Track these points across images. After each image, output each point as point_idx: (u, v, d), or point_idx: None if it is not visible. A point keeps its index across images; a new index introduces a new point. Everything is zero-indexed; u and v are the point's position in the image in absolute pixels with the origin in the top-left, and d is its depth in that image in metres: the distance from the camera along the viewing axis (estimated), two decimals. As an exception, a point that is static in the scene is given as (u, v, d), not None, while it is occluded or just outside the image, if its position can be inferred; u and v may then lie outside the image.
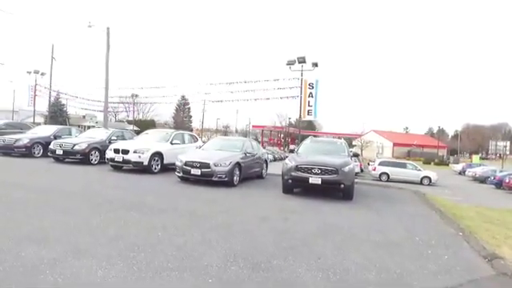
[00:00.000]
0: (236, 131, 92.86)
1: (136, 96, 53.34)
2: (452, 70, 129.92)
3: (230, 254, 4.56)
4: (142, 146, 11.95)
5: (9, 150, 14.70)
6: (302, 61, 22.30)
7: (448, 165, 54.18)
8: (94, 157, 13.61)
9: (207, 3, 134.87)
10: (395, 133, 73.53)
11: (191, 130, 74.52)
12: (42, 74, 35.88)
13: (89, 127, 52.34)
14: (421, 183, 26.04)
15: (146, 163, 11.79)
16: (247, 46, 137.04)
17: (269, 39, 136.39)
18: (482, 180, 31.14)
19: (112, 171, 12.30)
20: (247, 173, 11.72)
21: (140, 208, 6.85)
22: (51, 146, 13.65)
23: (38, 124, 25.36)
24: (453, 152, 80.00)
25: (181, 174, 10.55)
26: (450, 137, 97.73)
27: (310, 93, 22.24)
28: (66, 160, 13.97)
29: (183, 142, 13.90)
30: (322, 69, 22.79)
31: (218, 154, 10.80)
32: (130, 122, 78.11)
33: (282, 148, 62.11)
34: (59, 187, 8.55)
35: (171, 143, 13.07)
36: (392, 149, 58.69)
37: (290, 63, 22.62)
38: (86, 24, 19.12)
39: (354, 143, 71.18)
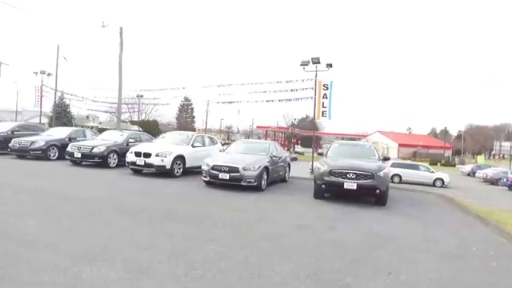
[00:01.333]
0: (238, 131, 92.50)
1: (141, 97, 52.91)
2: (454, 71, 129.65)
3: (299, 271, 4.23)
4: (164, 150, 11.61)
5: (24, 153, 14.36)
6: (316, 61, 21.89)
7: (454, 166, 53.83)
8: (112, 160, 13.27)
9: (218, 3, 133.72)
10: (400, 133, 73.20)
11: (193, 131, 74.21)
12: (49, 74, 35.47)
13: (92, 127, 52.05)
14: (433, 185, 25.66)
15: (168, 167, 11.45)
16: (258, 47, 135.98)
17: (277, 41, 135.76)
18: (494, 182, 30.78)
19: (132, 175, 11.96)
20: (273, 176, 11.40)
21: (176, 217, 6.53)
22: (69, 149, 13.32)
23: (42, 125, 24.90)
24: (456, 153, 79.73)
25: (207, 179, 10.22)
26: (452, 137, 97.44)
27: (325, 94, 21.81)
28: (83, 163, 13.64)
29: (204, 145, 13.57)
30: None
31: (246, 158, 10.47)
32: (132, 123, 77.76)
33: (286, 149, 61.84)
34: (87, 194, 8.18)
35: (192, 146, 12.74)
36: (397, 150, 58.37)
37: (304, 64, 22.20)
38: (99, 24, 18.76)
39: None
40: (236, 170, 9.88)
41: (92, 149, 12.92)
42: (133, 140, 14.22)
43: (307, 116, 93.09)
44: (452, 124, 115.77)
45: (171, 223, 6.07)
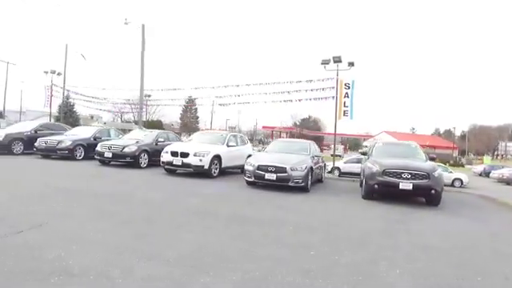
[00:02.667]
0: (239, 131, 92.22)
1: (148, 96, 52.49)
2: (457, 71, 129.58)
3: (420, 281, 3.89)
4: (201, 149, 11.24)
5: (50, 153, 13.98)
6: (337, 60, 21.54)
7: (463, 166, 53.56)
8: (143, 160, 12.90)
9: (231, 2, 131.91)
10: (407, 133, 72.96)
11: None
12: (59, 73, 35.01)
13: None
14: (452, 185, 25.39)
15: (206, 167, 11.09)
16: (274, 47, 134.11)
17: (287, 41, 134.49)
18: (510, 182, 30.51)
19: (168, 175, 11.59)
20: (315, 177, 11.07)
21: (248, 220, 6.19)
22: (98, 149, 12.94)
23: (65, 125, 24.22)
24: (461, 153, 79.56)
25: (252, 179, 9.87)
26: (456, 137, 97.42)
27: (346, 93, 21.50)
28: (111, 163, 13.27)
29: (237, 144, 13.22)
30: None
31: (291, 158, 10.12)
32: (136, 123, 77.21)
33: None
34: (144, 196, 7.83)
35: (227, 146, 12.38)
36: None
37: (325, 62, 21.86)
38: (119, 22, 18.35)
39: (364, 144, 70.49)
40: (283, 170, 9.54)
41: (123, 148, 12.55)
42: (162, 139, 13.85)
43: (310, 116, 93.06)
44: (455, 124, 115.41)
45: (250, 227, 5.68)
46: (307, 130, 66.69)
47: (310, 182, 10.04)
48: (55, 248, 3.89)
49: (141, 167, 12.76)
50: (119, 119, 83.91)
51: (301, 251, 4.56)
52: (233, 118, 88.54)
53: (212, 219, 6.01)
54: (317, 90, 22.74)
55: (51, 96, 36.79)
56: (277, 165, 9.63)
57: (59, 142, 13.98)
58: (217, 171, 11.58)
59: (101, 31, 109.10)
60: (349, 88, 21.68)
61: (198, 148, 11.34)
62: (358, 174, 23.06)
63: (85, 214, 5.69)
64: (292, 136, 64.89)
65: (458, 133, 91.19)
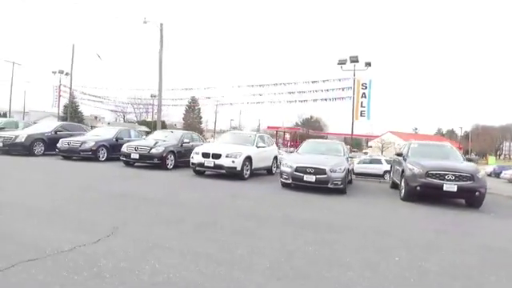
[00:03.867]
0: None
1: (154, 97, 52.37)
2: (459, 70, 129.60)
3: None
4: (233, 150, 11.07)
5: (74, 154, 13.80)
6: (354, 60, 21.51)
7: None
8: (170, 161, 12.73)
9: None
10: (412, 134, 72.83)
11: (201, 131, 73.64)
12: (67, 74, 34.87)
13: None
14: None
15: (239, 168, 10.91)
16: (287, 48, 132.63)
17: (300, 41, 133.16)
18: (521, 182, 30.49)
19: (197, 176, 11.41)
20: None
21: (308, 224, 6.03)
22: (124, 150, 12.76)
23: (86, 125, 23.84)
24: (465, 153, 79.50)
25: (289, 181, 9.70)
26: (458, 138, 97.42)
27: (363, 93, 21.45)
28: (136, 164, 13.10)
29: (265, 145, 13.06)
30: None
31: (328, 159, 9.96)
32: (140, 123, 77.15)
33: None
34: (187, 199, 7.68)
35: (257, 147, 12.22)
36: (410, 150, 58.25)
37: (342, 62, 21.82)
38: (138, 21, 18.09)
39: (369, 144, 70.38)
40: (323, 171, 9.38)
41: (150, 149, 12.37)
42: (187, 140, 13.68)
43: (312, 116, 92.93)
44: (458, 124, 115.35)
45: (312, 233, 5.49)
46: (312, 130, 66.49)
47: (346, 184, 9.90)
48: (144, 258, 3.71)
49: (167, 169, 12.59)
50: (121, 119, 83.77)
51: (386, 256, 4.41)
52: (236, 118, 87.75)
53: (274, 223, 5.85)
54: (333, 90, 22.62)
55: (59, 96, 36.63)
56: (316, 166, 9.47)
57: (82, 142, 13.79)
58: (248, 173, 11.41)
59: (105, 31, 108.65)
60: (366, 88, 21.60)
61: (230, 149, 11.17)
62: (371, 175, 23.06)
63: (147, 219, 5.51)
64: (295, 136, 64.80)
65: (460, 133, 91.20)
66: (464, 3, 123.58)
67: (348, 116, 21.68)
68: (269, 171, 13.38)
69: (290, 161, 10.00)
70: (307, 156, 10.46)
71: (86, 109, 62.51)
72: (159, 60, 18.28)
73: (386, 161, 23.73)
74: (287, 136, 71.40)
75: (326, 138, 73.94)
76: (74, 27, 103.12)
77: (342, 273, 3.72)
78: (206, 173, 11.84)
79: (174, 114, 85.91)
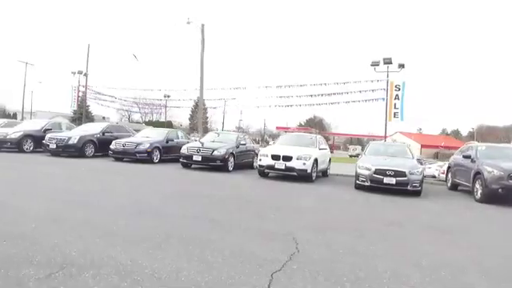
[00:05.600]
0: (247, 132, 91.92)
1: (168, 97, 52.44)
2: (463, 71, 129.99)
3: None
4: (303, 153, 11.18)
5: (129, 156, 13.86)
6: (387, 62, 21.68)
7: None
8: (230, 163, 12.83)
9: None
10: (421, 134, 73.29)
11: (206, 132, 73.43)
12: (85, 74, 34.85)
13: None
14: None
15: (309, 171, 11.02)
16: (314, 49, 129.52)
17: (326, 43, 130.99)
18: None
19: (263, 178, 11.54)
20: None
21: (430, 226, 6.18)
22: (185, 152, 12.83)
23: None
24: (471, 153, 79.79)
25: (368, 183, 9.84)
26: (463, 138, 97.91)
27: (397, 95, 21.65)
28: (193, 166, 13.19)
29: (325, 147, 13.22)
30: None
31: (405, 161, 10.19)
32: (147, 124, 77.05)
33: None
34: (277, 201, 7.84)
35: (319, 148, 12.34)
36: (420, 150, 58.51)
37: (375, 64, 21.99)
38: (183, 21, 18.12)
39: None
40: (403, 174, 9.54)
41: (213, 151, 12.46)
42: (244, 142, 13.80)
43: (315, 117, 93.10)
44: (461, 124, 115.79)
45: (441, 234, 5.67)
46: (323, 131, 66.69)
47: (422, 186, 10.06)
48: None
49: (228, 171, 12.70)
50: (127, 119, 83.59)
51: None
52: (244, 119, 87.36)
53: (402, 227, 5.98)
54: (365, 91, 22.80)
55: (78, 96, 36.62)
56: (396, 169, 9.62)
57: (138, 144, 13.84)
58: (314, 175, 11.53)
59: (117, 31, 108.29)
60: (399, 90, 21.78)
61: (300, 151, 11.27)
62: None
63: (292, 220, 5.63)
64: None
65: (464, 133, 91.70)
66: (463, 2, 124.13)
67: (346, 116, 21.89)
68: (324, 173, 13.50)
69: (367, 163, 10.13)
70: (379, 158, 10.60)
71: (94, 108, 62.58)
72: (200, 61, 18.34)
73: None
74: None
75: (329, 139, 74.43)
76: (86, 28, 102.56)
77: None
78: (270, 175, 11.97)
79: (180, 115, 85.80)
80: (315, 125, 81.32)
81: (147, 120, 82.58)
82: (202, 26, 18.30)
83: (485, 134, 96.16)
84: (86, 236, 3.96)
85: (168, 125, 74.43)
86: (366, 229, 5.50)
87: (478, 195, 9.76)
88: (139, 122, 79.51)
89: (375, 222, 6.09)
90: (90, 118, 55.60)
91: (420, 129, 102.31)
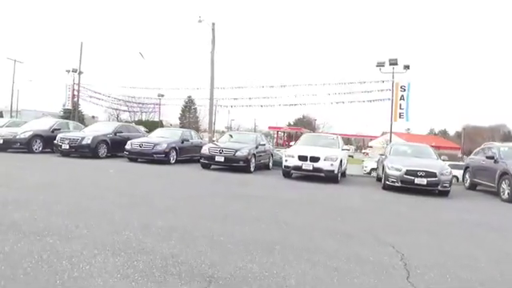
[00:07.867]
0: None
1: (162, 96, 51.73)
2: (450, 70, 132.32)
3: None
4: (330, 154, 11.20)
5: (146, 156, 13.59)
6: (393, 62, 21.87)
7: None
8: (252, 164, 12.76)
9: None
10: (411, 134, 74.40)
11: (197, 131, 72.94)
12: (80, 72, 34.15)
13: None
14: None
15: (336, 172, 11.06)
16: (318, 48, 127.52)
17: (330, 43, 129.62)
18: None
19: (288, 179, 11.53)
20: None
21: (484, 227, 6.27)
22: (206, 152, 12.68)
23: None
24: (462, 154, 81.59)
25: (398, 184, 9.92)
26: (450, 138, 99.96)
27: (402, 95, 21.85)
28: (212, 167, 13.04)
29: (347, 148, 13.30)
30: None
31: (431, 162, 10.40)
32: (137, 123, 75.84)
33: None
34: (322, 201, 7.85)
35: (342, 149, 12.39)
36: (411, 150, 59.62)
37: (380, 65, 22.18)
38: (195, 20, 17.82)
39: (370, 144, 71.43)
40: (433, 174, 9.67)
41: (236, 152, 12.34)
42: (263, 143, 13.75)
43: (304, 116, 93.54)
44: (449, 124, 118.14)
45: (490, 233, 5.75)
46: (307, 129, 66.99)
47: (449, 187, 10.22)
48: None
49: (250, 171, 12.62)
50: (115, 118, 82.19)
51: None
52: (226, 118, 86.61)
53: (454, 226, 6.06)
54: (371, 91, 22.96)
55: (72, 95, 35.83)
56: (427, 169, 9.74)
57: (155, 144, 13.59)
58: (339, 175, 11.57)
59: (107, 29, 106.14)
60: (404, 90, 22.01)
61: (327, 152, 11.27)
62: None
63: (322, 225, 5.62)
64: (298, 137, 65.02)
65: (452, 133, 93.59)
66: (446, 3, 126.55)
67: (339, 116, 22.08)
68: (343, 174, 13.55)
69: (396, 164, 10.20)
70: (404, 158, 10.75)
71: (83, 107, 61.36)
72: (211, 60, 18.12)
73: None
74: (282, 135, 71.88)
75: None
76: (78, 27, 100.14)
77: None
78: (294, 175, 11.95)
79: (168, 114, 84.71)
80: (306, 124, 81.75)
81: (136, 119, 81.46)
82: (213, 24, 18.07)
83: (471, 133, 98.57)
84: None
85: (158, 124, 73.65)
86: (439, 230, 5.57)
87: (506, 195, 9.96)
88: (128, 122, 78.41)
89: (437, 223, 6.17)
90: (80, 118, 54.54)
91: (408, 129, 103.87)
